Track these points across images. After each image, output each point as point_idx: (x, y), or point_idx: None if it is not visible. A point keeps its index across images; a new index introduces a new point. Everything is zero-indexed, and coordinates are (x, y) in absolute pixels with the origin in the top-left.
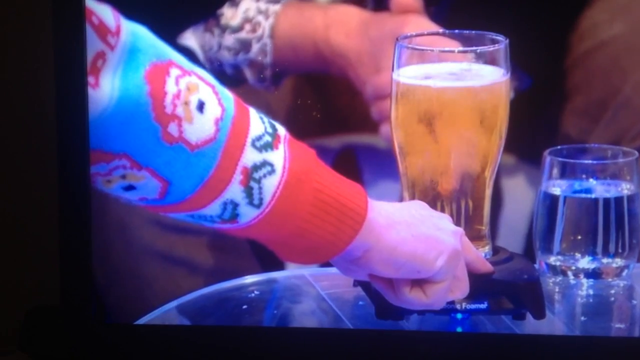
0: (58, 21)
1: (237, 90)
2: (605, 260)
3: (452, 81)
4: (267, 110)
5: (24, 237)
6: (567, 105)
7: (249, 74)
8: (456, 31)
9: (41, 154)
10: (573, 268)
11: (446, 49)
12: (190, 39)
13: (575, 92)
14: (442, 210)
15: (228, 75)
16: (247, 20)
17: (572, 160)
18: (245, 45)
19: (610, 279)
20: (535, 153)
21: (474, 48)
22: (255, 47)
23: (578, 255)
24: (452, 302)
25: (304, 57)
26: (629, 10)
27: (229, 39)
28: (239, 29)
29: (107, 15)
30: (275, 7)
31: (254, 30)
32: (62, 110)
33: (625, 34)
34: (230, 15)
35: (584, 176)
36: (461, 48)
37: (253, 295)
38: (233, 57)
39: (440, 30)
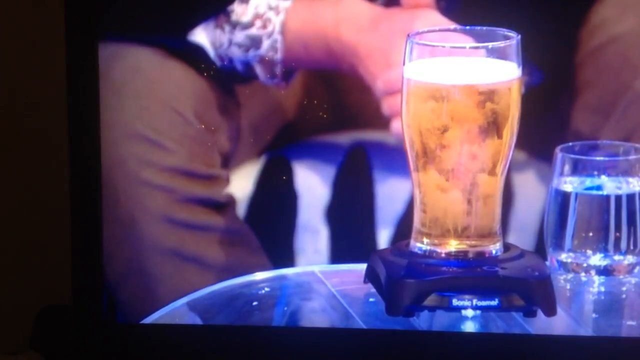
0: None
1: (248, 88)
2: (616, 257)
3: (463, 78)
4: (278, 108)
5: (36, 238)
6: (578, 101)
7: (259, 70)
8: (468, 27)
9: (53, 155)
10: (584, 265)
11: (458, 45)
12: (201, 35)
13: (586, 88)
14: (454, 207)
15: (239, 71)
16: (257, 16)
17: (583, 157)
18: (256, 42)
19: (621, 276)
20: (546, 149)
21: (486, 44)
22: (266, 44)
23: (589, 252)
24: (463, 300)
25: (315, 53)
26: (639, 6)
27: (240, 36)
28: (250, 25)
29: None
30: (285, 3)
31: (264, 26)
32: (74, 111)
33: (635, 29)
34: (240, 12)
35: (595, 173)
36: (473, 44)
37: (263, 292)
38: (243, 54)
39: (452, 27)
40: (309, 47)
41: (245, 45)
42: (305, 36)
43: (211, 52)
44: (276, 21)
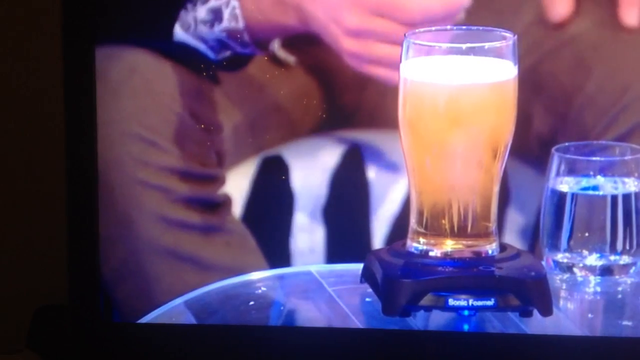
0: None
1: (245, 87)
2: (612, 258)
3: (460, 78)
4: (274, 108)
5: (32, 237)
6: (537, 102)
7: (232, 44)
8: (464, 27)
9: (49, 153)
10: (580, 265)
11: (454, 45)
12: (180, 32)
13: (543, 89)
14: (450, 207)
15: (218, 53)
16: None
17: (579, 157)
18: (217, 14)
19: (617, 276)
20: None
21: (482, 44)
22: (226, 14)
23: (585, 252)
24: (459, 299)
25: (275, 16)
26: (595, 6)
27: (202, 11)
28: None
29: None
30: None
31: None
32: (70, 111)
33: (590, 31)
34: None
35: (591, 173)
36: (469, 44)
37: (259, 291)
38: (210, 30)
39: (449, 27)
40: (266, 10)
41: (210, 21)
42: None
43: (193, 42)
44: None
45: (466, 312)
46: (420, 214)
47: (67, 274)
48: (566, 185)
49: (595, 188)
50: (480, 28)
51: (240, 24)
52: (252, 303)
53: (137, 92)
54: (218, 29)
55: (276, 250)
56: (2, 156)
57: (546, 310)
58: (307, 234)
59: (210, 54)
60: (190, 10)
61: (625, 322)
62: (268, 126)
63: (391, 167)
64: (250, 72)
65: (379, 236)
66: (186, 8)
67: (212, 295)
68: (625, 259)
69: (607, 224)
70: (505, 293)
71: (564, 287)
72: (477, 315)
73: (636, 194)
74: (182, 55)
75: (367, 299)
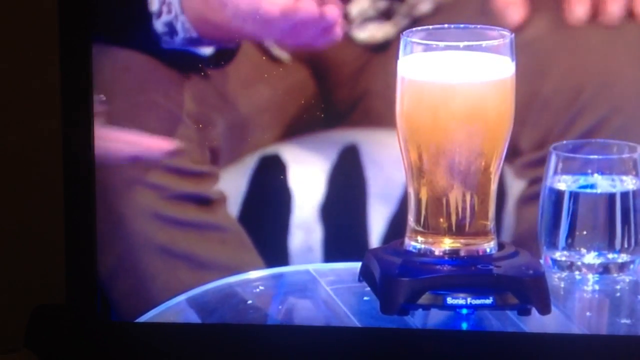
0: None
1: (240, 85)
2: (610, 256)
3: (457, 76)
4: (271, 105)
5: (29, 236)
6: None
7: (199, 50)
8: (462, 25)
9: (46, 152)
10: (579, 263)
11: (452, 43)
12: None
13: None
14: (448, 205)
15: (201, 56)
16: (162, 2)
17: (577, 155)
18: (171, 27)
19: (615, 275)
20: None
21: (480, 42)
22: (179, 27)
23: (584, 250)
24: (458, 298)
25: (223, 25)
26: (551, 11)
27: (159, 26)
28: (159, 13)
29: None
30: None
31: (169, 10)
32: (67, 109)
33: (544, 35)
34: (150, 2)
35: (589, 171)
36: (467, 43)
37: (257, 290)
38: (172, 41)
39: (446, 25)
40: (215, 21)
41: (167, 33)
42: (204, 10)
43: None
44: (175, 2)
45: (464, 311)
46: (418, 212)
47: (64, 273)
48: (564, 183)
49: (593, 186)
50: (478, 26)
51: (194, 34)
52: (250, 302)
53: (132, 90)
54: (178, 39)
55: (274, 249)
56: None
57: (544, 309)
58: (305, 233)
59: (196, 51)
60: (154, 21)
61: (623, 320)
62: (265, 124)
63: (389, 165)
64: (246, 69)
65: (376, 235)
66: (150, 20)
67: (210, 294)
68: (623, 257)
69: (605, 222)
70: (503, 291)
71: (562, 285)
72: (476, 314)
73: (634, 192)
74: (175, 54)
75: (365, 298)
